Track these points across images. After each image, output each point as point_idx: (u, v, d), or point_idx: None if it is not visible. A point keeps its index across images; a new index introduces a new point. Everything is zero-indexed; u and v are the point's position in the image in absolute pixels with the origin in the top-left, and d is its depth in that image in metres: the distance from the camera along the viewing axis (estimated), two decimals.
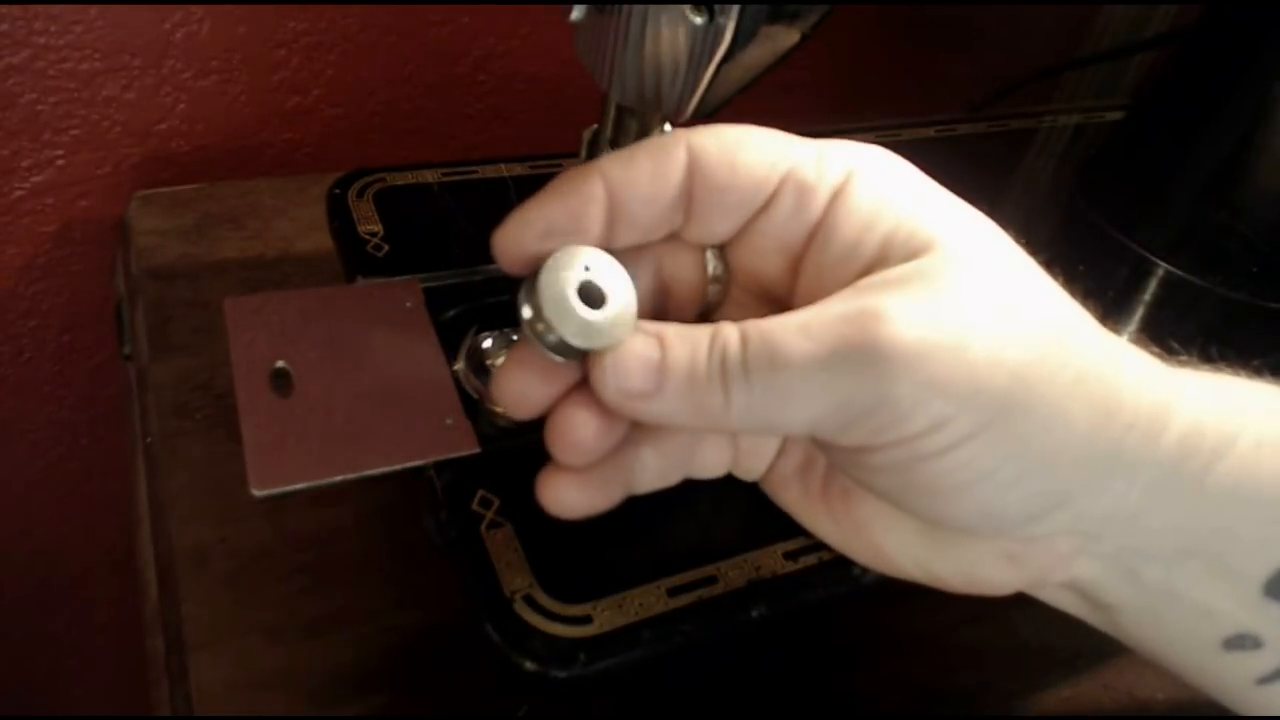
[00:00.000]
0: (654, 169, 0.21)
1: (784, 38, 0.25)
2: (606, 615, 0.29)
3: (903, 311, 0.19)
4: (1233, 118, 0.48)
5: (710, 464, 0.26)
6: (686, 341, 0.20)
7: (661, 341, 0.20)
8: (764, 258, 0.22)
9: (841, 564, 0.32)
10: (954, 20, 0.74)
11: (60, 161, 0.51)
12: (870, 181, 0.21)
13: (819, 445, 0.23)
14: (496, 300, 0.39)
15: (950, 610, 0.37)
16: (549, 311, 0.20)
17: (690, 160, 0.21)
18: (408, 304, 0.36)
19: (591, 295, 0.20)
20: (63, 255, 0.55)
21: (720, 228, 0.22)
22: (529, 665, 0.28)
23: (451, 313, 0.38)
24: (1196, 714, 0.34)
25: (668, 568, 0.31)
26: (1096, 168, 0.51)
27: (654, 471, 0.24)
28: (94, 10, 0.47)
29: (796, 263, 0.22)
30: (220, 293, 0.42)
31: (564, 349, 0.20)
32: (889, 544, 0.24)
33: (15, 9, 0.45)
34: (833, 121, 0.53)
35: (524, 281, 0.21)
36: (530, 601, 0.29)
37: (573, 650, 0.28)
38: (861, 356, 0.19)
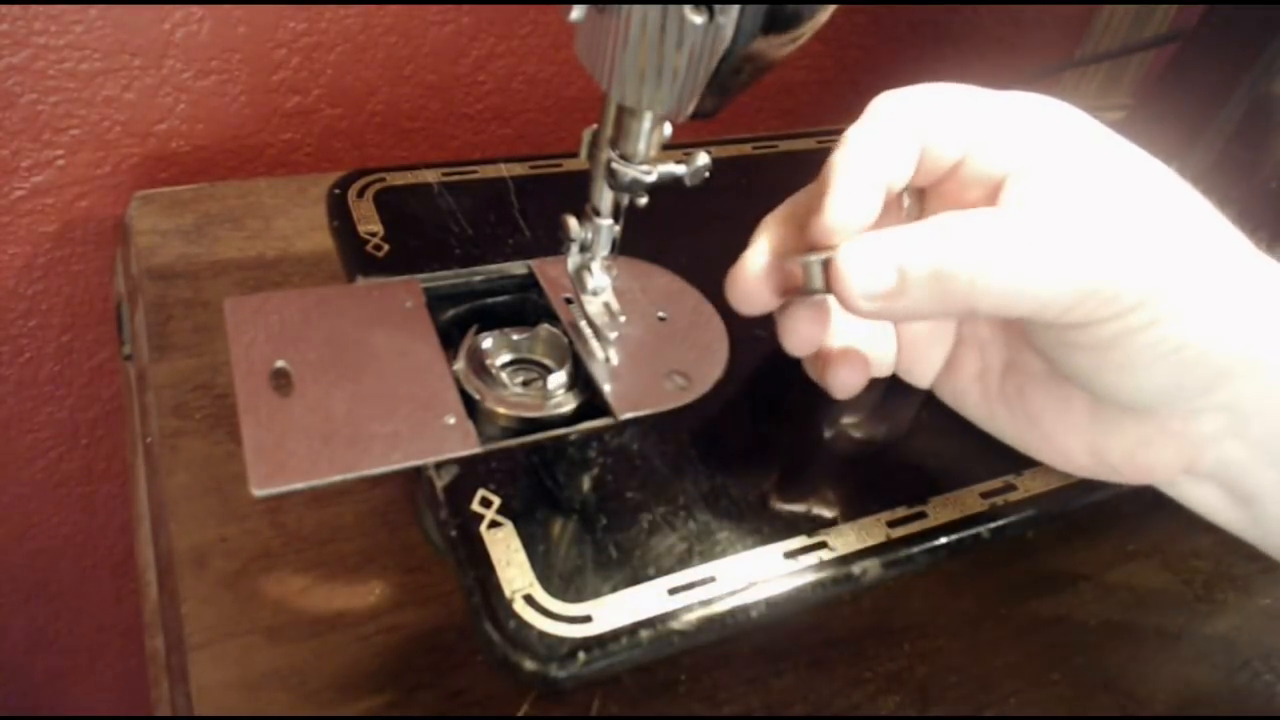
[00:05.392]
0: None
1: (782, 42, 0.25)
2: (606, 615, 0.29)
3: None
4: (1231, 118, 0.48)
5: (884, 359, 0.30)
6: (927, 234, 0.23)
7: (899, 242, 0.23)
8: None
9: (841, 563, 0.32)
10: (954, 20, 0.74)
11: (60, 161, 0.51)
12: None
13: (1029, 325, 0.26)
14: (496, 300, 0.39)
15: (949, 608, 0.37)
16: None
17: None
18: (408, 304, 0.36)
19: None
20: (63, 255, 0.55)
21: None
22: (529, 665, 0.28)
23: (451, 313, 0.38)
24: (1197, 714, 0.34)
25: (668, 568, 0.31)
26: None
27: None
28: (94, 10, 0.47)
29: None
30: (220, 293, 0.42)
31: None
32: (1060, 432, 0.28)
33: (15, 9, 0.45)
34: (832, 121, 0.53)
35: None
36: (530, 601, 0.29)
37: (573, 650, 0.28)
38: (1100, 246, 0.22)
